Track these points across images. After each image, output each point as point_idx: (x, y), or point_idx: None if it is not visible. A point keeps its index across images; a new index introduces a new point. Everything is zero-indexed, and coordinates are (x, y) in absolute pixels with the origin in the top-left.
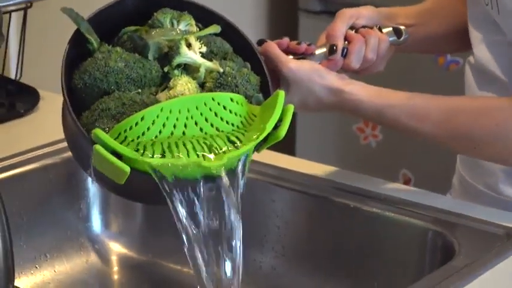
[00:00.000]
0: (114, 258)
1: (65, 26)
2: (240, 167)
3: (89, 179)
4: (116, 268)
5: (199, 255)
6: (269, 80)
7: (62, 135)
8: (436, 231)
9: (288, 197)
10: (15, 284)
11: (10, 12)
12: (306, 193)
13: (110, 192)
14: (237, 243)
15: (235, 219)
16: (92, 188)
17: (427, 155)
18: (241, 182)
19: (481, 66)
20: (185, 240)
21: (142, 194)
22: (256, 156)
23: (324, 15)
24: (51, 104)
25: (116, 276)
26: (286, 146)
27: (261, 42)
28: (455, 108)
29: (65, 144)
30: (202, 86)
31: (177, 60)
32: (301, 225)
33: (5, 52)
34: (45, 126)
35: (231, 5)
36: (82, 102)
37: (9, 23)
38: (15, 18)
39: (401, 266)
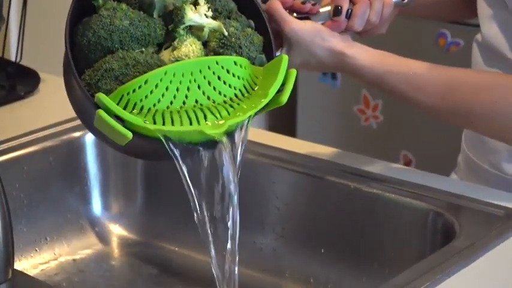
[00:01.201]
0: (114, 240)
1: (65, 8)
2: (240, 131)
3: (89, 162)
4: (116, 250)
5: (204, 214)
6: (272, 39)
7: (62, 118)
8: (437, 212)
9: (288, 178)
10: (15, 267)
11: None
12: (306, 174)
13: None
14: (235, 211)
15: (233, 180)
16: (92, 170)
17: (428, 136)
18: (240, 146)
19: (490, 44)
20: (191, 198)
21: (145, 153)
22: (256, 138)
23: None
24: (52, 86)
25: (116, 258)
26: (287, 127)
27: (265, 0)
28: (455, 80)
29: (65, 126)
30: (205, 45)
31: (182, 26)
32: (301, 206)
33: (5, 34)
34: (45, 108)
35: None
36: (84, 58)
37: (9, 5)
38: (16, 1)
39: (402, 247)
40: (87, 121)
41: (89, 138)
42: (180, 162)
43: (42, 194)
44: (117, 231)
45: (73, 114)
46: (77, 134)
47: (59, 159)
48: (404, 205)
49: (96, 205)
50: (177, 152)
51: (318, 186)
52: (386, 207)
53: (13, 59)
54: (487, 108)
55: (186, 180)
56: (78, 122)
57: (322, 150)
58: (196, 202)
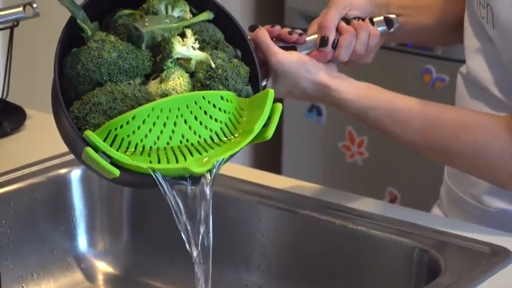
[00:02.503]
0: (100, 277)
1: (51, 45)
2: (221, 165)
3: (75, 198)
4: (102, 287)
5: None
6: (258, 70)
7: (48, 154)
8: (422, 249)
9: (273, 215)
10: None
11: None
12: (291, 211)
13: (95, 207)
14: (208, 236)
15: (207, 209)
16: (78, 207)
17: (414, 173)
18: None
19: (474, 77)
20: (177, 221)
21: (132, 183)
22: (242, 175)
23: None
24: (38, 123)
25: None
26: (273, 163)
27: (253, 28)
28: (437, 117)
29: (51, 163)
30: (191, 75)
31: (170, 59)
32: (287, 243)
33: None
34: (31, 145)
35: None
36: (72, 88)
37: None
38: (2, 37)
39: (388, 284)
40: (75, 152)
41: (75, 175)
42: (169, 193)
43: (29, 230)
44: (102, 267)
45: (59, 150)
46: (63, 171)
47: (45, 196)
48: (390, 242)
49: (82, 242)
50: (165, 185)
51: (303, 223)
52: (371, 244)
53: None
54: (467, 148)
55: (178, 210)
56: (64, 158)
57: (308, 187)
58: (191, 234)
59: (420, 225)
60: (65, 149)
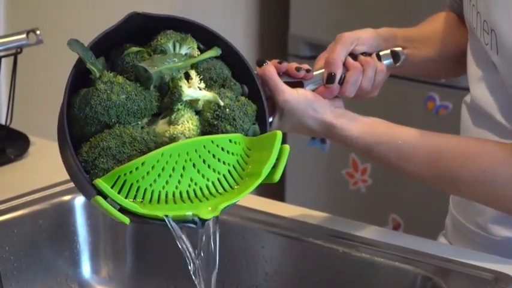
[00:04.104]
0: None
1: (54, 71)
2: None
3: (79, 225)
4: None
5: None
6: (266, 107)
7: (51, 181)
8: (426, 277)
9: (277, 243)
10: None
11: (0, 58)
12: (295, 239)
13: (99, 234)
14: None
15: (214, 249)
16: (82, 233)
17: (417, 200)
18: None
19: (478, 105)
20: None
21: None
22: (245, 202)
23: (314, 60)
24: (41, 149)
25: None
26: (276, 191)
27: (260, 64)
28: (443, 148)
29: (54, 190)
30: (198, 113)
31: (179, 102)
32: (290, 271)
33: None
34: (35, 172)
35: None
36: (78, 127)
37: None
38: (5, 64)
39: None
40: (83, 193)
41: (79, 201)
42: (179, 235)
43: (32, 257)
44: None
45: (62, 177)
46: (66, 198)
47: (48, 222)
48: (393, 269)
49: (86, 268)
50: (175, 227)
51: (307, 251)
52: (375, 272)
53: (3, 122)
54: (475, 177)
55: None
56: (68, 185)
57: (311, 215)
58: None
59: (423, 252)
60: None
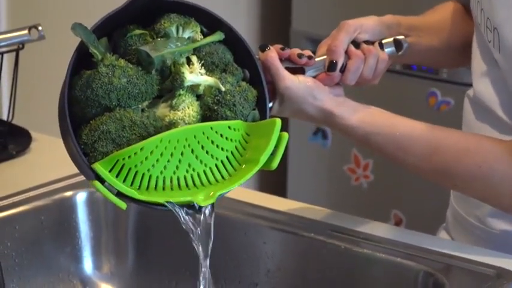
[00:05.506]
0: None
1: (56, 68)
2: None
3: (80, 221)
4: None
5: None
6: (266, 93)
7: (53, 177)
8: (428, 272)
9: (278, 238)
10: None
11: (2, 53)
12: (296, 234)
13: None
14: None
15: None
16: (83, 229)
17: (419, 196)
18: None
19: (481, 100)
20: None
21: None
22: (247, 198)
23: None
24: (43, 145)
25: None
26: (278, 187)
27: (263, 48)
28: (441, 142)
29: (56, 186)
30: (198, 97)
31: (181, 89)
32: (292, 266)
33: None
34: (36, 168)
35: None
36: (80, 109)
37: (1, 65)
38: (7, 60)
39: None
40: (81, 172)
41: (80, 197)
42: (182, 216)
43: (34, 253)
44: None
45: (64, 173)
46: (68, 194)
47: (50, 218)
48: (395, 265)
49: (88, 264)
50: (181, 212)
51: (309, 247)
52: (376, 267)
53: (5, 118)
54: (471, 173)
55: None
56: (70, 181)
57: (313, 210)
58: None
59: (425, 248)
60: (71, 171)
